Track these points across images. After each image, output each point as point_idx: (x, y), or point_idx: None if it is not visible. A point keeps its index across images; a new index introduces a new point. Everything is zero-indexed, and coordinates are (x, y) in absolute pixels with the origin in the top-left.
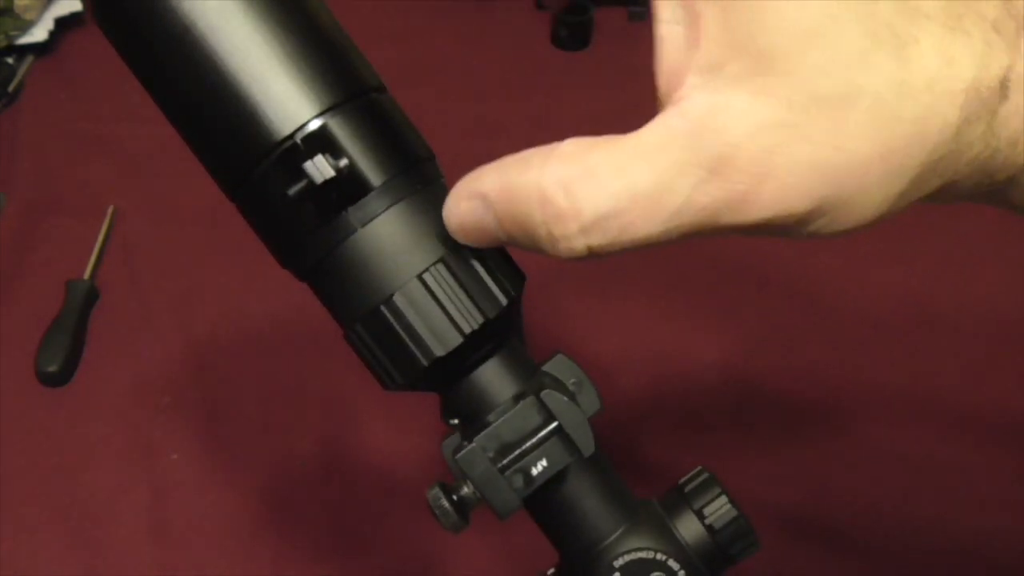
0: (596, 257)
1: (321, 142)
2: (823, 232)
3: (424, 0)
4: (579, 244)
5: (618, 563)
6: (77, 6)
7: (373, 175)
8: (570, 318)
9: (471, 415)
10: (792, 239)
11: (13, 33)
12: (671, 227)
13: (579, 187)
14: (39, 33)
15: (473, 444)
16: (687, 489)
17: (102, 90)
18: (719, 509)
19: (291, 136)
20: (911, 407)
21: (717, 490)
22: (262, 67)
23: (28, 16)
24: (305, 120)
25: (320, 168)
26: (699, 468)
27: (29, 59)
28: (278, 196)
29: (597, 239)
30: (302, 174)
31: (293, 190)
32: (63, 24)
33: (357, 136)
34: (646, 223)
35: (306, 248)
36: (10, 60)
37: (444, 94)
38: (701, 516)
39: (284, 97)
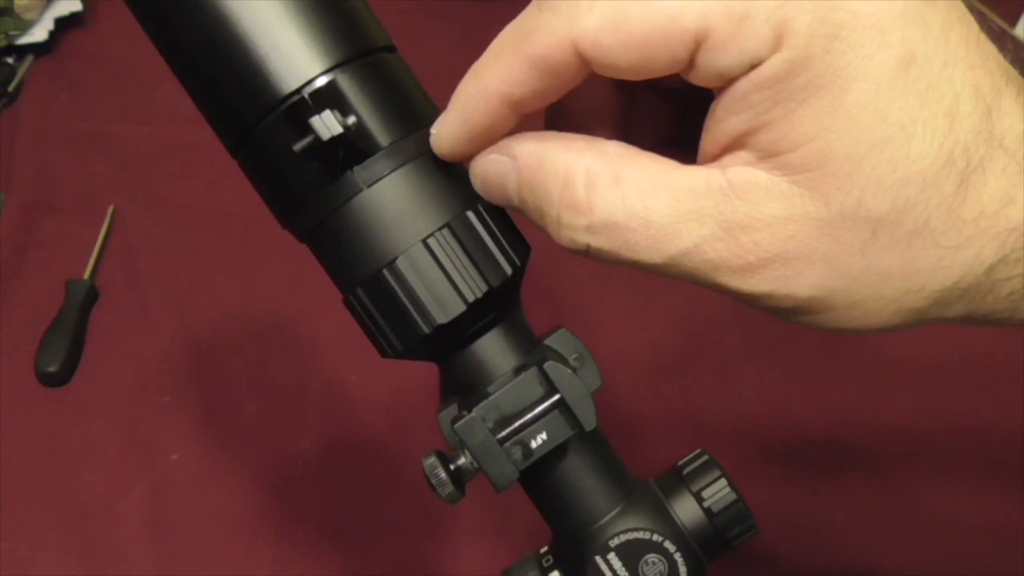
0: (593, 257)
1: (330, 98)
2: (821, 325)
3: (424, 0)
4: (581, 239)
5: (614, 543)
6: (77, 6)
7: (381, 135)
8: (573, 309)
9: (471, 386)
10: (786, 321)
11: (13, 33)
12: (670, 264)
13: (602, 187)
14: (39, 33)
15: (473, 414)
16: (686, 471)
17: (102, 90)
18: (718, 492)
19: (299, 91)
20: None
21: (716, 473)
22: (272, 20)
23: (28, 16)
24: (314, 75)
25: (328, 124)
26: (698, 451)
27: (29, 59)
28: (283, 152)
29: (599, 242)
30: (308, 130)
31: (299, 146)
32: (63, 24)
33: (366, 94)
34: (648, 250)
35: (308, 207)
36: (10, 60)
37: (444, 95)
38: (699, 499)
39: (293, 51)
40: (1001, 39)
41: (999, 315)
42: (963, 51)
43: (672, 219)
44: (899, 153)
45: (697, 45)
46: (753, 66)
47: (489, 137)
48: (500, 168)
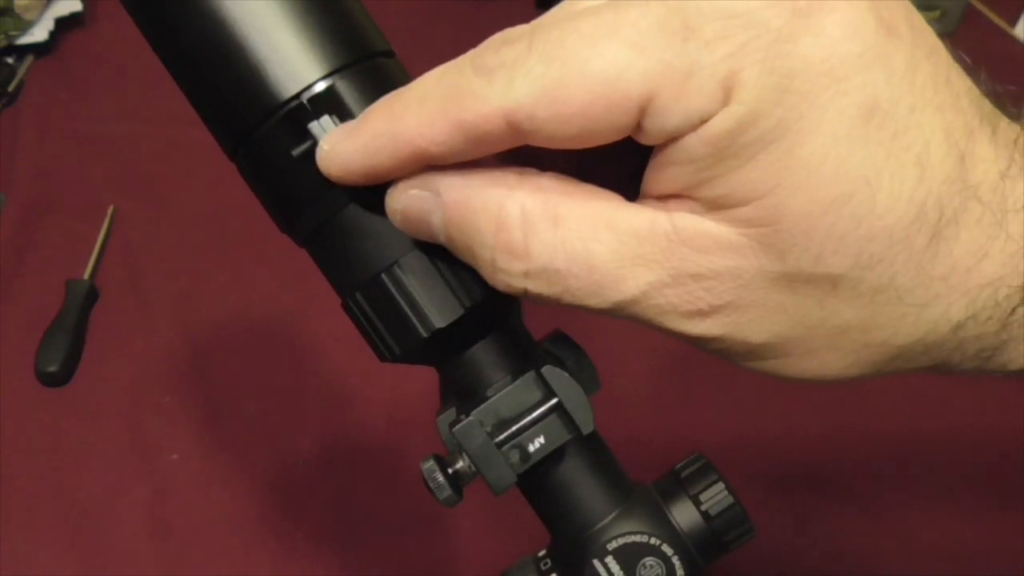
0: (532, 301)
1: (328, 103)
2: (773, 372)
3: (424, 1)
4: (518, 284)
5: (611, 546)
6: (77, 6)
7: None
8: (571, 313)
9: (469, 390)
10: (737, 365)
11: (13, 33)
12: (615, 309)
13: (540, 229)
14: (39, 33)
15: (471, 417)
16: (683, 475)
17: (102, 90)
18: (715, 496)
19: (297, 96)
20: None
21: (714, 476)
22: (271, 25)
23: (28, 16)
24: (312, 80)
25: (326, 129)
26: (696, 454)
27: (29, 59)
28: (281, 157)
29: (538, 288)
30: (307, 135)
31: (297, 151)
32: (63, 24)
33: (365, 99)
34: (591, 296)
35: (307, 212)
36: (10, 60)
37: None
38: (697, 502)
39: (292, 56)
40: (974, 72)
41: (965, 367)
42: (931, 92)
43: (616, 264)
44: (863, 208)
45: (642, 111)
46: (703, 122)
47: (389, 177)
48: (422, 204)
